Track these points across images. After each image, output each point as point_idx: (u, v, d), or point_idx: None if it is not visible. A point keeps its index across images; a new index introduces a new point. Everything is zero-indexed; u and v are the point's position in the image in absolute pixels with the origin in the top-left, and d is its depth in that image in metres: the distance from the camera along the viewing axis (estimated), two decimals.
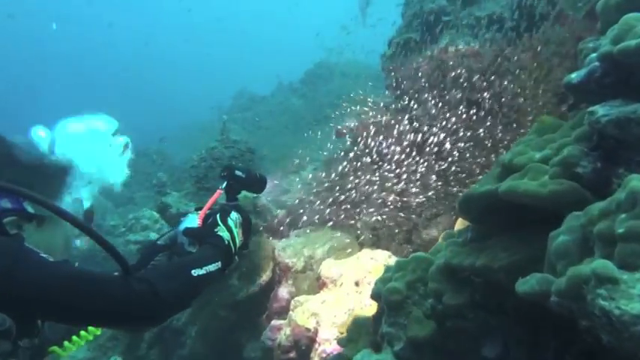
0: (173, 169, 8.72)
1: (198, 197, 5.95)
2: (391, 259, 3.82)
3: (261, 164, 6.32)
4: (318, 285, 3.94)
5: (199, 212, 1.69)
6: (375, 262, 3.80)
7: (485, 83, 3.82)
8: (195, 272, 1.29)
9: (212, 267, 1.37)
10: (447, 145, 4.31)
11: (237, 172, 1.82)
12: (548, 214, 1.54)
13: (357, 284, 3.72)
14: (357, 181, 5.40)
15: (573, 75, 2.03)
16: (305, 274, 4.45)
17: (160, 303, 1.13)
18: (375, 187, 5.37)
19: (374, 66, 12.54)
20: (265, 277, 4.16)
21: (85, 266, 1.10)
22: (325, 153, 6.89)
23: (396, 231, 4.85)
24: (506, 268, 1.67)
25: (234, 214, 1.70)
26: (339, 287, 3.71)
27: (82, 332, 1.35)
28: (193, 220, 1.66)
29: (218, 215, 1.64)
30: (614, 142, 1.53)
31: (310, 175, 6.10)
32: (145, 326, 1.65)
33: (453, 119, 4.15)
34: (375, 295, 2.26)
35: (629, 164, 1.44)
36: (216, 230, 1.57)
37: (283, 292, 4.28)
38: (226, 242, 1.55)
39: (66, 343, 1.31)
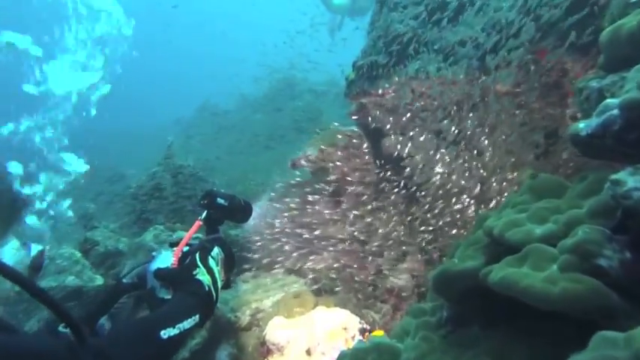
0: (114, 194, 7.82)
1: (134, 231, 5.17)
2: (351, 322, 3.21)
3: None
4: (261, 352, 3.28)
5: (174, 249, 1.47)
6: (332, 323, 3.18)
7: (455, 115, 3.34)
8: (165, 334, 1.09)
9: (188, 323, 1.17)
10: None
11: (219, 200, 1.67)
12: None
13: (308, 353, 3.09)
14: (313, 217, 4.82)
15: (581, 125, 1.57)
16: (250, 331, 3.78)
17: None
18: (334, 225, 4.81)
19: (340, 83, 12.18)
20: (199, 337, 3.46)
21: (17, 335, 0.84)
22: (280, 185, 6.29)
23: (356, 278, 4.27)
24: None
25: (215, 251, 1.54)
26: (286, 358, 3.06)
27: None
28: (167, 259, 1.45)
29: (197, 254, 1.46)
30: None
31: (264, 207, 5.45)
32: None
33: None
34: None
35: None
36: (194, 273, 1.39)
37: (222, 355, 3.58)
38: (207, 289, 1.35)
39: None
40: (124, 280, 1.51)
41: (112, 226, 5.19)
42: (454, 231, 3.70)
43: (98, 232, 4.79)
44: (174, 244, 1.50)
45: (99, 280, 4.41)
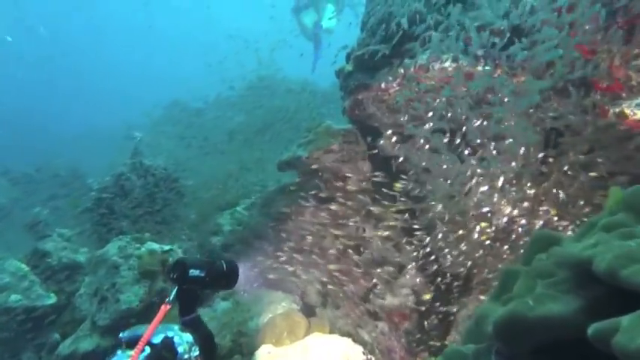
0: (76, 194, 7.04)
1: (95, 241, 4.51)
2: (353, 353, 2.74)
3: (180, 201, 4.99)
4: None
5: (131, 353, 1.18)
6: (331, 355, 2.70)
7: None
8: None
9: None
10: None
11: (193, 272, 1.42)
12: None
13: None
14: (302, 225, 4.32)
15: None
16: (232, 359, 3.24)
17: None
18: (325, 234, 4.33)
19: (319, 82, 11.71)
20: None
21: None
22: (258, 187, 5.75)
23: (349, 294, 3.81)
24: None
25: (183, 344, 1.29)
26: None
27: None
28: None
29: None
30: None
31: (245, 212, 4.90)
32: None
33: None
34: None
35: None
36: None
37: None
38: None
39: None
40: None
41: (67, 234, 4.52)
42: (463, 247, 3.29)
43: (51, 241, 4.13)
44: (130, 343, 1.21)
45: (51, 299, 3.76)
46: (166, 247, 3.29)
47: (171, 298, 1.35)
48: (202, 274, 1.44)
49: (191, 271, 1.42)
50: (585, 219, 2.70)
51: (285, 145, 7.64)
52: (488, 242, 3.16)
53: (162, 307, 1.32)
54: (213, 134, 11.89)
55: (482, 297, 3.60)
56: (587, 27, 2.49)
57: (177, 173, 8.14)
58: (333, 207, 4.21)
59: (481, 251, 3.03)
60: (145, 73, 31.69)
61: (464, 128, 3.00)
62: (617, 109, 2.46)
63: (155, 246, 3.27)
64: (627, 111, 2.41)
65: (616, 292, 1.15)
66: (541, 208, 2.85)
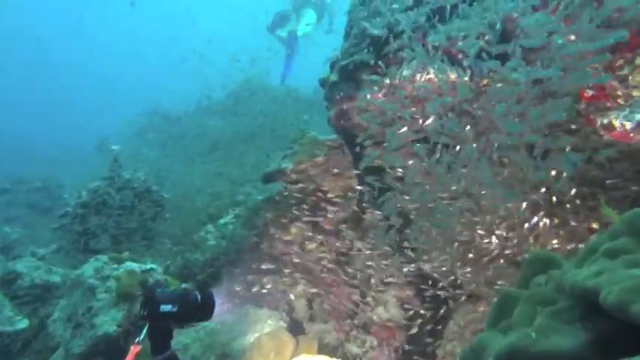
0: (44, 214, 6.78)
1: (71, 259, 4.31)
2: None
3: (161, 214, 4.83)
4: None
5: None
6: None
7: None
8: None
9: None
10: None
11: (164, 307, 1.31)
12: None
13: None
14: (288, 237, 4.21)
15: None
16: None
17: None
18: (312, 247, 4.23)
19: (300, 89, 11.64)
20: None
21: None
22: (242, 197, 5.61)
23: (337, 308, 3.72)
24: None
25: None
26: None
27: None
28: None
29: None
30: None
31: (228, 226, 4.77)
32: None
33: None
34: None
35: None
36: None
37: None
38: None
39: None
40: None
41: (41, 252, 4.31)
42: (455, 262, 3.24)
43: (23, 261, 3.92)
44: None
45: (22, 323, 3.55)
46: (146, 267, 3.14)
47: (141, 337, 1.27)
48: (175, 309, 1.36)
49: (162, 306, 1.35)
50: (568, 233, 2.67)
51: (269, 153, 7.53)
52: (472, 255, 3.14)
53: (132, 348, 1.25)
54: (195, 143, 11.70)
55: (472, 308, 3.56)
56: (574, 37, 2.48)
57: (159, 185, 7.95)
58: (320, 219, 4.12)
59: (468, 267, 2.98)
60: (124, 80, 31.17)
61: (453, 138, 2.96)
62: (605, 121, 2.44)
63: (134, 266, 3.11)
64: (615, 122, 2.40)
65: (624, 325, 1.09)
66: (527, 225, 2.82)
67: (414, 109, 3.24)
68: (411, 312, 3.73)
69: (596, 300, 1.15)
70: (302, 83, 11.17)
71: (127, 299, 2.85)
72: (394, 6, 3.43)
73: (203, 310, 1.47)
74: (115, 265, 3.03)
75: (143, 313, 1.35)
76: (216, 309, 1.60)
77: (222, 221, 4.90)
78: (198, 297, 1.43)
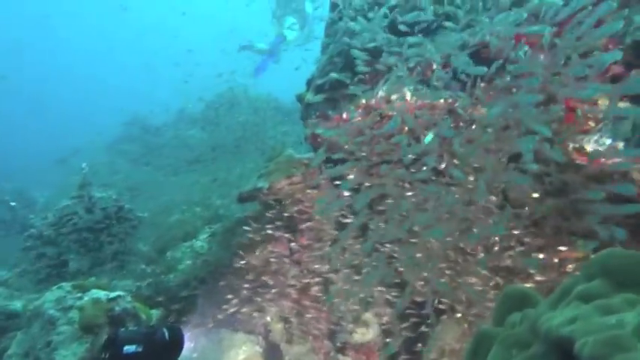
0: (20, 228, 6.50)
1: (36, 284, 4.11)
2: None
3: (134, 234, 4.67)
4: None
5: None
6: None
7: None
8: None
9: None
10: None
11: (128, 348, 1.22)
12: None
13: None
14: (264, 258, 4.11)
15: None
16: None
17: None
18: (289, 266, 4.14)
19: (281, 99, 11.59)
20: None
21: None
22: (221, 210, 5.49)
23: (314, 331, 3.63)
24: None
25: None
26: None
27: None
28: None
29: None
30: None
31: (204, 245, 4.64)
32: None
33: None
34: None
35: None
36: None
37: None
38: None
39: None
40: None
41: (4, 276, 4.11)
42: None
43: None
44: None
45: None
46: (113, 295, 2.99)
47: None
48: (140, 349, 1.27)
49: (125, 347, 1.26)
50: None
51: (248, 167, 7.42)
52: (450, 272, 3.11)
53: None
54: (174, 154, 11.49)
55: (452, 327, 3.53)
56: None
57: (135, 198, 7.73)
58: (297, 238, 4.04)
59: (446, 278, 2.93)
60: (103, 88, 30.60)
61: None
62: (576, 145, 2.44)
63: (100, 294, 2.96)
64: (587, 147, 2.40)
65: None
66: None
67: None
68: (391, 333, 3.68)
69: (571, 348, 1.11)
70: (283, 89, 11.09)
71: (91, 331, 2.70)
72: (373, 24, 3.41)
73: (170, 350, 1.38)
74: (79, 294, 2.88)
75: (105, 357, 1.27)
76: (186, 344, 1.49)
77: (197, 240, 4.76)
78: (166, 334, 1.33)
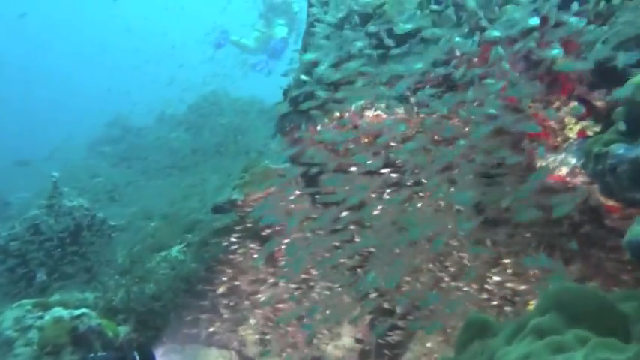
0: None
1: (2, 298, 3.97)
2: None
3: (107, 244, 4.55)
4: None
5: None
6: None
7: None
8: None
9: None
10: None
11: None
12: None
13: None
14: (240, 269, 4.04)
15: None
16: None
17: None
18: (264, 278, 4.07)
19: (265, 101, 11.48)
20: None
21: None
22: (201, 215, 5.37)
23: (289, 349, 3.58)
24: None
25: None
26: None
27: None
28: None
29: None
30: None
31: (178, 256, 4.54)
32: None
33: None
34: None
35: None
36: None
37: None
38: None
39: None
40: None
41: None
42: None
43: None
44: None
45: None
46: (77, 312, 2.89)
47: None
48: None
49: None
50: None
51: (229, 172, 7.31)
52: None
53: None
54: (155, 157, 11.30)
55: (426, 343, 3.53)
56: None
57: (112, 203, 7.57)
58: (273, 250, 3.98)
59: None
60: (84, 87, 29.96)
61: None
62: (543, 164, 2.44)
63: (63, 312, 2.85)
64: (552, 167, 2.40)
65: None
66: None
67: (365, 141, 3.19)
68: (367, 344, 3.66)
69: None
70: (270, 91, 10.98)
71: (52, 353, 2.60)
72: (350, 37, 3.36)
73: None
74: (40, 313, 2.77)
75: None
76: None
77: (173, 250, 4.67)
78: (137, 358, 1.36)
